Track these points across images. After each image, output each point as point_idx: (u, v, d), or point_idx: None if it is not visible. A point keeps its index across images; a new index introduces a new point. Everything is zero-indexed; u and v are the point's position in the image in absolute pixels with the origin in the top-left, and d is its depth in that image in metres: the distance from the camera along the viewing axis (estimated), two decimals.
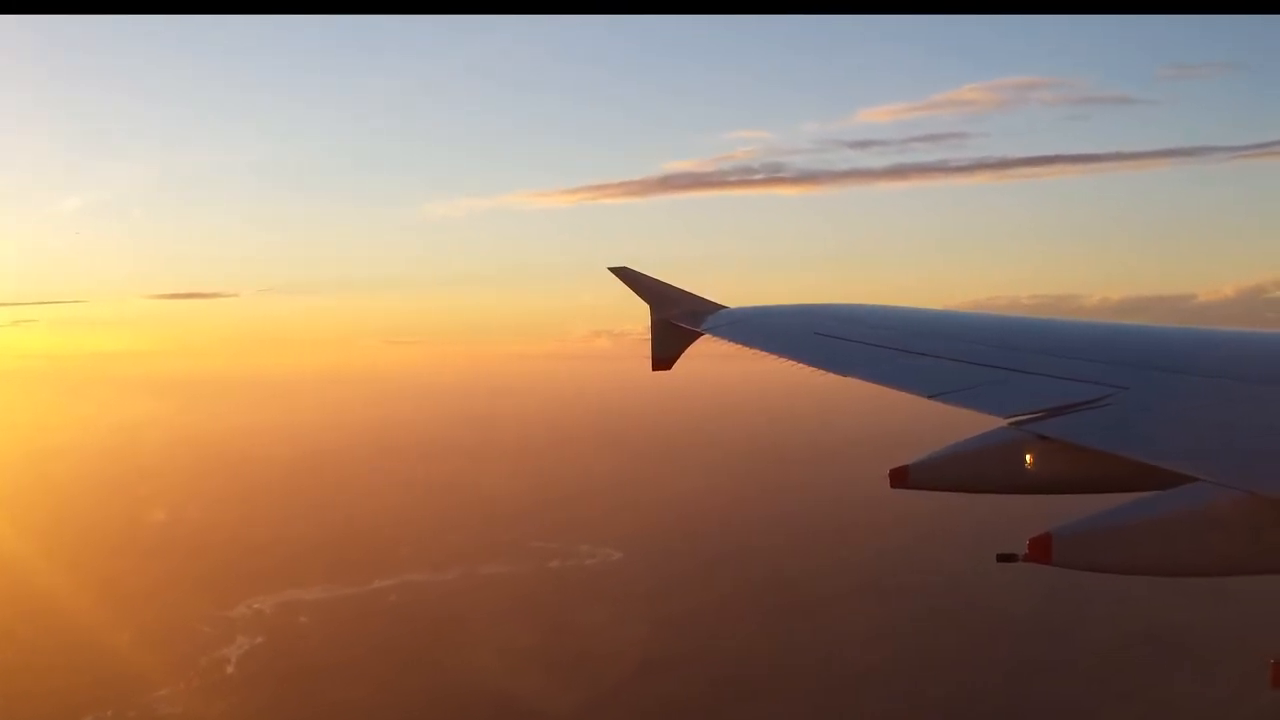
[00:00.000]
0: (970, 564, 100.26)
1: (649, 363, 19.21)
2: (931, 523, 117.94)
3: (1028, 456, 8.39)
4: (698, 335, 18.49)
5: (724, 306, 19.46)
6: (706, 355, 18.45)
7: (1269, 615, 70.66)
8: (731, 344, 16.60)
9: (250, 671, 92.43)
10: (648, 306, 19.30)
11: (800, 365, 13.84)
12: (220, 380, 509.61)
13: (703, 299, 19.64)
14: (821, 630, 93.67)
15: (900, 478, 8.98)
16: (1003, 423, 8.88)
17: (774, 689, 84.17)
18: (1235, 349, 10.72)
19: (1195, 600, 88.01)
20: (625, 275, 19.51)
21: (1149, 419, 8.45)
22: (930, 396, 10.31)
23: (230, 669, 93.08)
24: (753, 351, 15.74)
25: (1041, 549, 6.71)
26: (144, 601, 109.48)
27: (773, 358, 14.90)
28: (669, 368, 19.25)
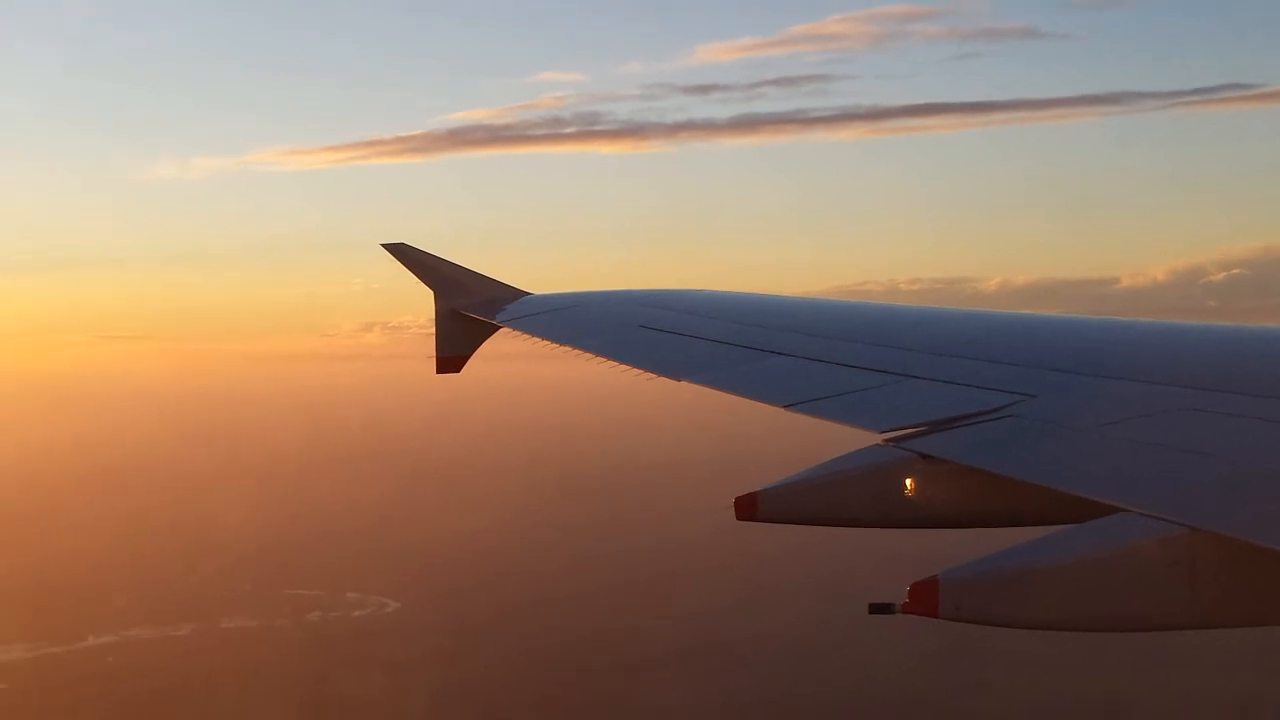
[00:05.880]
0: (834, 618, 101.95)
1: (432, 363, 19.19)
2: (786, 565, 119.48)
3: (908, 482, 8.33)
4: (494, 329, 18.53)
5: (527, 293, 19.54)
6: (505, 354, 18.51)
7: (1215, 678, 73.21)
8: (537, 340, 16.63)
9: None
10: (431, 293, 19.26)
11: (623, 367, 13.87)
12: None
13: (500, 283, 19.72)
14: (637, 707, 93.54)
15: (748, 508, 8.86)
16: (878, 439, 8.85)
17: None
18: (1168, 346, 10.90)
19: (1123, 661, 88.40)
20: (403, 254, 19.43)
21: (1060, 434, 8.45)
22: (787, 406, 10.27)
23: None
24: (562, 350, 15.75)
25: (926, 598, 6.62)
26: None
27: (588, 357, 14.92)
28: (458, 369, 19.30)
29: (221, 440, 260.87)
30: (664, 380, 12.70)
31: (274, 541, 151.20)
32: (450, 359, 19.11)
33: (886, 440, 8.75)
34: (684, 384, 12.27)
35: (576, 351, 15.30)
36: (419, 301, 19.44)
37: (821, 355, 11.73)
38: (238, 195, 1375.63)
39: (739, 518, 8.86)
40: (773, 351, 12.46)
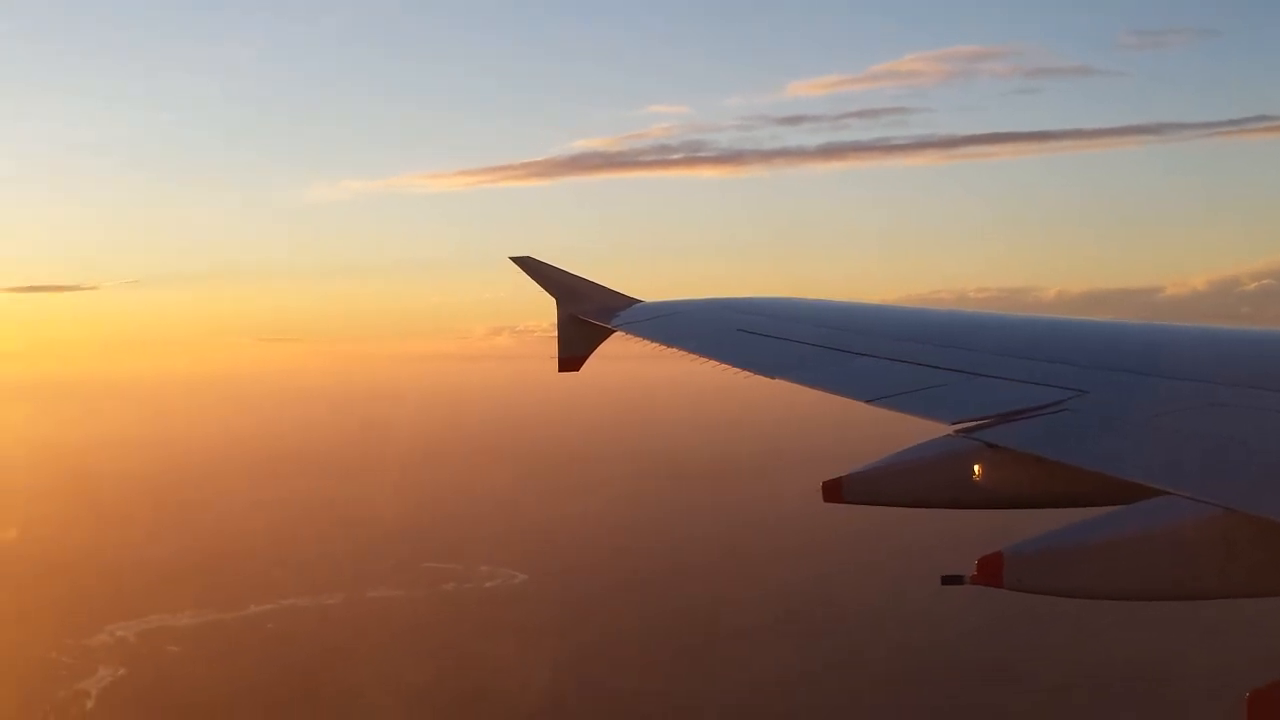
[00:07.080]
0: (910, 588, 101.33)
1: (555, 363, 19.14)
2: (868, 542, 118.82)
3: (976, 467, 8.33)
4: (609, 332, 18.48)
5: (638, 300, 19.52)
6: (618, 355, 18.39)
7: (1246, 643, 71.95)
8: (646, 342, 16.58)
9: (112, 707, 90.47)
10: (553, 300, 19.22)
11: (723, 366, 13.80)
12: (76, 384, 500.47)
13: (614, 292, 19.65)
14: (735, 669, 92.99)
15: (834, 491, 8.85)
16: (949, 430, 8.84)
17: None
18: (1206, 348, 10.81)
19: (1164, 628, 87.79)
20: (529, 266, 19.42)
21: (1110, 426, 8.44)
22: (868, 401, 10.26)
23: (90, 704, 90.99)
24: (670, 350, 15.72)
25: (991, 570, 6.63)
26: None
27: (692, 358, 14.87)
28: (577, 369, 19.22)
29: (368, 431, 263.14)
30: (759, 378, 12.64)
31: (414, 521, 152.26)
32: (570, 359, 19.05)
33: (957, 431, 8.73)
34: (777, 381, 12.21)
35: (682, 353, 15.24)
36: (543, 308, 19.35)
37: (899, 356, 11.68)
38: (382, 214, 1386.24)
39: (826, 500, 8.83)
40: (856, 353, 12.40)
